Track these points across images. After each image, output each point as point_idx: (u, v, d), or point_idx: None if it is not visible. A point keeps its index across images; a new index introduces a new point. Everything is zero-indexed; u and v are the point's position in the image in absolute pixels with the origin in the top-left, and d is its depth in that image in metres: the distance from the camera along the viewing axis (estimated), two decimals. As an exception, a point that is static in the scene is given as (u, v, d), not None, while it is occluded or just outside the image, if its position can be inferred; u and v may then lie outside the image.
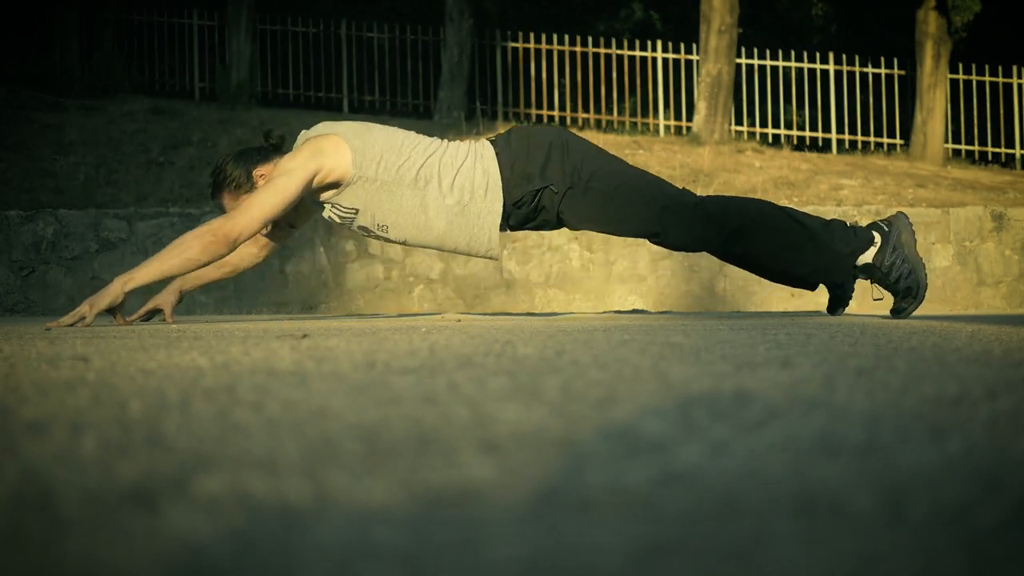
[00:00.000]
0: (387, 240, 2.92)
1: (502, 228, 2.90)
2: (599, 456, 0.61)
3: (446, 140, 2.94)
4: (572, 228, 3.03)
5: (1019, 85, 10.39)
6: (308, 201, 2.88)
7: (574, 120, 10.53)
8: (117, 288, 2.65)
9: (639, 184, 2.95)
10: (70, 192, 5.99)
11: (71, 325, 2.63)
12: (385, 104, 10.85)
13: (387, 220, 2.84)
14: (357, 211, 2.83)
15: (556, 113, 10.54)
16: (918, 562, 0.39)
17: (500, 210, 2.85)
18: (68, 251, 5.10)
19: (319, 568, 0.39)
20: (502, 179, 2.83)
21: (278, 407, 0.82)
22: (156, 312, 3.10)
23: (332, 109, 10.37)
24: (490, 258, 2.97)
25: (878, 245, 2.97)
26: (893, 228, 2.98)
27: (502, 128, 8.90)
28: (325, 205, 2.86)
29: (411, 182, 2.79)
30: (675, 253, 4.96)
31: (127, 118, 7.74)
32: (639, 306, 5.30)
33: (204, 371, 1.15)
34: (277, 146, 2.91)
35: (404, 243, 2.93)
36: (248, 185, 2.86)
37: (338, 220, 2.89)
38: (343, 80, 10.72)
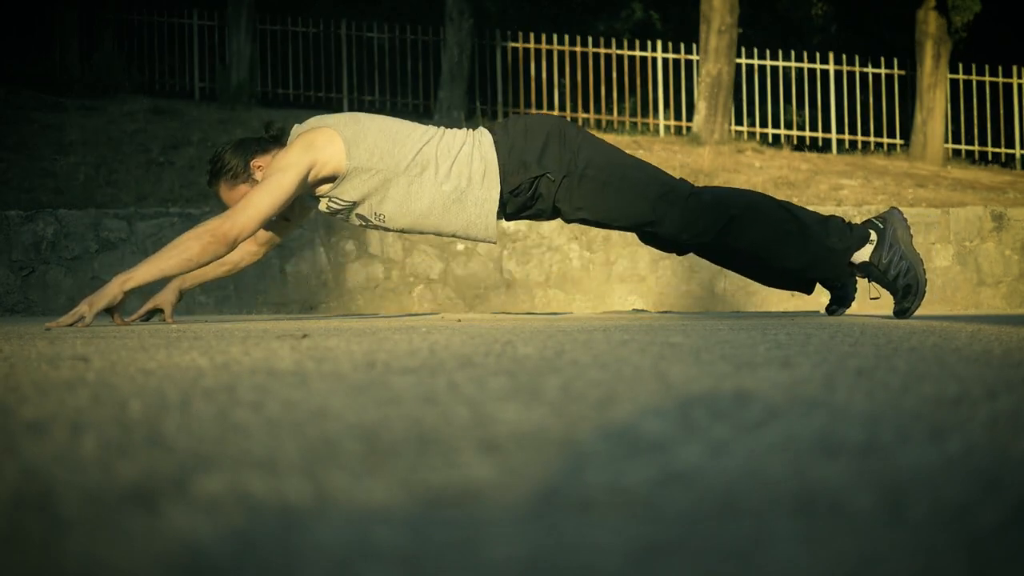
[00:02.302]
0: (385, 229, 2.92)
1: (498, 216, 2.90)
2: (599, 456, 0.61)
3: (442, 127, 2.92)
4: (567, 219, 2.99)
5: (1019, 85, 10.39)
6: (305, 196, 2.88)
7: (574, 120, 10.53)
8: (116, 287, 2.64)
9: (635, 173, 2.93)
10: (70, 192, 5.99)
11: (70, 325, 2.62)
12: (385, 104, 10.85)
13: (384, 209, 2.84)
14: (355, 203, 2.83)
15: (556, 113, 10.55)
16: (918, 562, 0.39)
17: (497, 197, 2.84)
18: (68, 251, 5.10)
19: (319, 568, 0.39)
20: (499, 166, 2.83)
21: (278, 407, 0.82)
22: (156, 312, 3.09)
23: (332, 109, 10.37)
24: (488, 242, 2.96)
25: (875, 243, 2.95)
26: (888, 225, 2.96)
27: (502, 128, 8.90)
28: (322, 199, 2.86)
29: (406, 169, 2.79)
30: None
31: (127, 118, 7.74)
32: (639, 306, 5.30)
33: (204, 371, 1.15)
34: (276, 138, 2.91)
35: (402, 231, 2.93)
36: (245, 175, 2.86)
37: (336, 213, 2.88)
38: (343, 80, 10.73)
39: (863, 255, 2.95)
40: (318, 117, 2.89)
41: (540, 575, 0.38)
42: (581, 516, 0.47)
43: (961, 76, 10.43)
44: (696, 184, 3.30)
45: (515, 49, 10.82)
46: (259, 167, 2.85)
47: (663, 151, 8.00)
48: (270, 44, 10.63)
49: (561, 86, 10.76)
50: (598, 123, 10.55)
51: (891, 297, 3.02)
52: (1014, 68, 10.37)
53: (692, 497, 0.50)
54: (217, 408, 0.82)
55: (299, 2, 11.83)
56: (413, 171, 2.79)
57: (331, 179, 2.80)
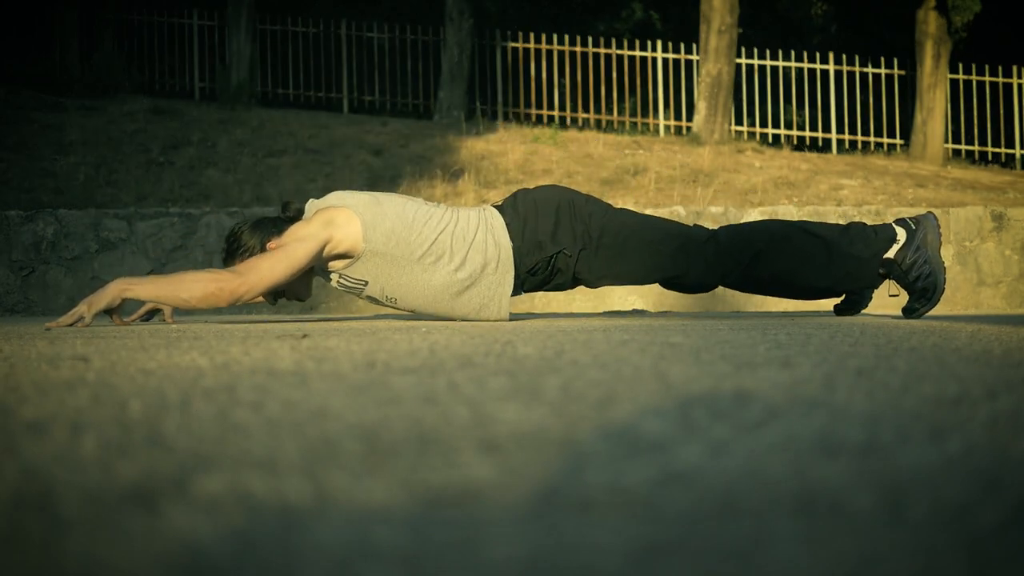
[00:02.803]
0: (396, 308, 2.94)
1: (515, 292, 2.91)
2: (599, 456, 0.61)
3: (456, 210, 2.92)
4: (590, 286, 3.01)
5: (1019, 85, 10.39)
6: (316, 270, 2.89)
7: (574, 120, 10.53)
8: (115, 291, 2.64)
9: (649, 232, 2.94)
10: (70, 192, 5.99)
11: (70, 325, 2.62)
12: (385, 104, 10.86)
13: (396, 293, 2.86)
14: (366, 282, 2.84)
15: (556, 113, 10.55)
16: (918, 562, 0.39)
17: (512, 281, 2.87)
18: (68, 251, 5.10)
19: (319, 568, 0.39)
20: (514, 249, 2.85)
21: (278, 407, 0.82)
22: (155, 312, 3.09)
23: (332, 109, 10.37)
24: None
25: (901, 242, 2.96)
26: (920, 227, 2.97)
27: (502, 127, 8.89)
28: (332, 275, 2.87)
29: (421, 257, 2.80)
30: None
31: (127, 118, 7.74)
32: (639, 306, 5.30)
33: (204, 371, 1.15)
34: (293, 219, 2.89)
35: (413, 312, 2.95)
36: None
37: (347, 290, 2.89)
38: (343, 80, 10.73)
39: (888, 254, 2.97)
40: (337, 194, 2.88)
41: (540, 575, 0.38)
42: (581, 516, 0.47)
43: (961, 76, 10.43)
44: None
45: (515, 49, 10.82)
46: (273, 249, 2.84)
47: (663, 151, 7.99)
48: (270, 44, 10.63)
49: (561, 86, 10.76)
50: (598, 123, 10.54)
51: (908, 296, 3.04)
52: (1014, 68, 10.37)
53: (692, 497, 0.50)
54: (217, 408, 0.82)
55: (299, 2, 11.84)
56: (427, 259, 2.81)
57: (344, 257, 2.81)
